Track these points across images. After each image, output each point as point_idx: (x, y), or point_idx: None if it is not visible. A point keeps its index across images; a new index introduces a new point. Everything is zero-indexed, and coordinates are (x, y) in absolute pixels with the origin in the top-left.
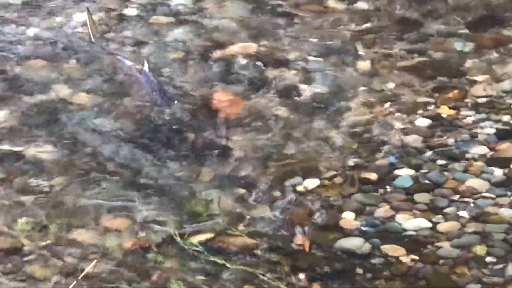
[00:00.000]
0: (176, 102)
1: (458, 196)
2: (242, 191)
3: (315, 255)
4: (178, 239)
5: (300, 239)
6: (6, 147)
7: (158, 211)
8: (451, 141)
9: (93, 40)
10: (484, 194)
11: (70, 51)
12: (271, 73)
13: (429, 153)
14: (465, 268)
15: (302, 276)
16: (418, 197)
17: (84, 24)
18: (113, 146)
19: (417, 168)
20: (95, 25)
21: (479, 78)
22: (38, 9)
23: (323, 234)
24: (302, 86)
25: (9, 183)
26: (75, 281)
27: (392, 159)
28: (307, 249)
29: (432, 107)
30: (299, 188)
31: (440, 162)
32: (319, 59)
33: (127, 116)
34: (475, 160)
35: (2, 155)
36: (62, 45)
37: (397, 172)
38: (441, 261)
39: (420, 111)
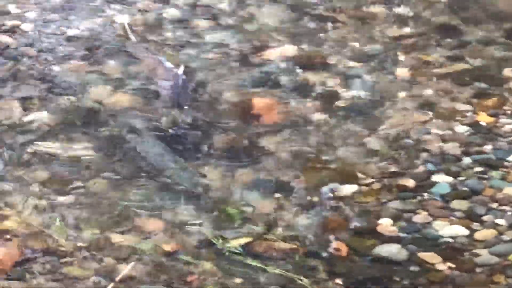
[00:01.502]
0: (186, 107)
1: (496, 204)
2: (279, 195)
3: (352, 261)
4: (217, 242)
5: (337, 245)
6: (44, 147)
7: (195, 214)
8: (489, 148)
9: (133, 40)
10: None
11: (109, 52)
12: (310, 77)
13: (467, 160)
14: (502, 276)
15: (339, 281)
16: (455, 204)
17: (124, 25)
18: (149, 148)
19: (455, 175)
20: (131, 28)
21: None
22: (78, 10)
23: (360, 240)
24: (341, 91)
25: (47, 184)
26: (112, 283)
27: (430, 166)
28: (344, 254)
29: (470, 114)
30: (337, 194)
31: (478, 169)
32: (359, 64)
33: (162, 118)
34: None
35: (41, 156)
36: (102, 46)
37: (434, 179)
38: (478, 269)
39: (458, 118)
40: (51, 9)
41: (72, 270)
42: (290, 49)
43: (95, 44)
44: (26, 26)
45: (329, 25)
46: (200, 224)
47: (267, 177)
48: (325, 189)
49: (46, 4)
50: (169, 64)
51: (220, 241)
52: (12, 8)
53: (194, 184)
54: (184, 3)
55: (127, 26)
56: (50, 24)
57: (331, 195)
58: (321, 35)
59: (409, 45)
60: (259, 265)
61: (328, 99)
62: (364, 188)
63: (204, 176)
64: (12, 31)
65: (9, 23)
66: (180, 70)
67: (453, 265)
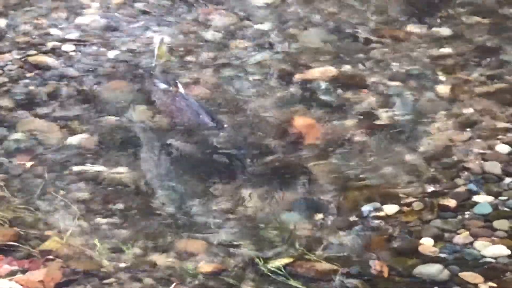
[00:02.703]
0: (225, 125)
1: None
2: (319, 215)
3: (393, 281)
4: (259, 262)
5: (378, 265)
6: (85, 168)
7: (235, 234)
8: None
9: (153, 64)
10: None
11: (149, 73)
12: (350, 97)
13: (508, 180)
14: None
15: None
16: (497, 224)
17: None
18: (190, 168)
19: (496, 195)
20: (165, 51)
21: None
22: (120, 31)
23: (401, 260)
24: (382, 111)
25: (88, 204)
26: None
27: (471, 185)
28: (385, 275)
29: (511, 133)
30: (378, 213)
31: None
32: (399, 83)
33: (200, 139)
34: None
35: (82, 176)
36: (142, 67)
37: (476, 198)
38: None
39: (499, 137)
40: (92, 31)
41: None
42: (331, 70)
43: (136, 65)
44: (67, 47)
45: (369, 45)
46: (241, 245)
47: (308, 197)
48: (366, 209)
49: (87, 25)
50: (162, 85)
51: (262, 262)
52: (54, 30)
53: (234, 204)
54: (225, 25)
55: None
56: (91, 45)
57: (372, 214)
58: (362, 55)
59: (449, 65)
60: (300, 286)
61: (369, 118)
62: (405, 208)
63: (245, 196)
64: (53, 52)
65: (50, 44)
66: (181, 89)
67: (495, 285)
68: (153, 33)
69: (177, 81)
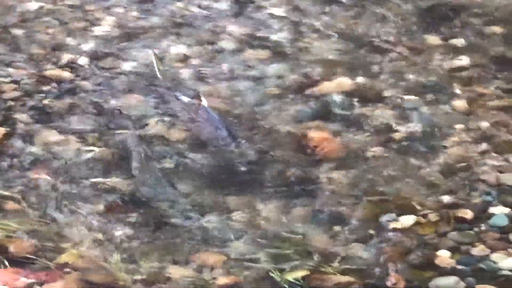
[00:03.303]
0: (242, 140)
1: None
2: (335, 228)
3: None
4: (275, 275)
5: (394, 277)
6: (101, 180)
7: (252, 246)
8: None
9: (159, 76)
10: None
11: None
12: (366, 110)
13: None
14: None
15: None
16: None
17: (179, 59)
18: (206, 181)
19: None
20: (160, 62)
21: None
22: (135, 43)
23: (418, 272)
24: (398, 124)
25: (105, 217)
26: None
27: (487, 197)
28: (401, 287)
29: None
30: (394, 226)
31: None
32: (415, 96)
33: (217, 152)
34: None
35: (98, 189)
36: (159, 79)
37: (492, 210)
38: None
39: None
40: (108, 43)
41: None
42: (346, 82)
43: (151, 77)
44: (82, 60)
45: (385, 57)
46: (257, 258)
47: (324, 209)
48: (382, 221)
49: (103, 38)
50: (185, 99)
51: (278, 274)
52: (70, 43)
53: (250, 217)
54: (240, 35)
55: (154, 61)
56: (106, 57)
57: (389, 227)
58: (377, 67)
59: (466, 77)
60: None
61: (384, 131)
62: (421, 220)
63: (261, 209)
64: (69, 65)
65: (66, 57)
66: (204, 103)
67: None
68: (168, 43)
69: (200, 94)
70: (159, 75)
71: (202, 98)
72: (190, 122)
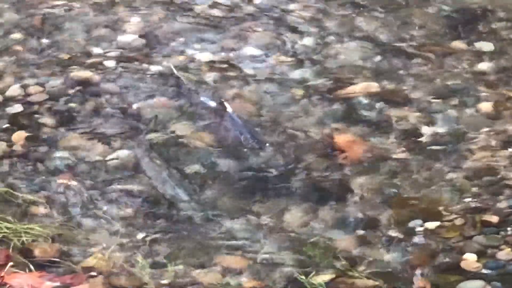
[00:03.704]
0: (267, 144)
1: None
2: (361, 232)
3: None
4: (302, 278)
5: (420, 282)
6: (126, 185)
7: (278, 250)
8: None
9: (184, 82)
10: None
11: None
12: (392, 113)
13: None
14: None
15: None
16: None
17: (203, 64)
18: (232, 185)
19: None
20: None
21: None
22: (161, 47)
23: (444, 276)
24: (423, 127)
25: (131, 221)
26: None
27: None
28: None
29: None
30: (420, 230)
31: None
32: (441, 100)
33: (243, 157)
34: None
35: (124, 193)
36: (183, 84)
37: None
38: None
39: None
40: (133, 46)
41: None
42: (373, 85)
43: (177, 82)
44: (108, 63)
45: (411, 61)
46: (283, 261)
47: (350, 214)
48: (408, 225)
49: (128, 41)
50: (211, 103)
51: (304, 278)
52: (94, 46)
53: (276, 221)
54: (265, 40)
55: (173, 69)
56: (132, 61)
57: (415, 231)
58: (403, 71)
59: (491, 81)
60: None
61: (411, 135)
62: (447, 223)
63: (287, 213)
64: (94, 68)
65: (91, 60)
66: (229, 108)
67: None
68: (193, 50)
69: (222, 100)
70: (184, 80)
71: (226, 104)
72: (214, 127)
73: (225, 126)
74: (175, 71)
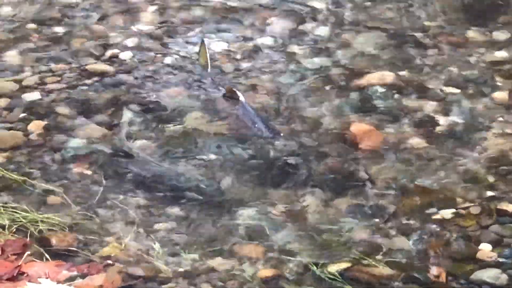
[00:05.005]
0: (281, 134)
1: None
2: (377, 220)
3: (451, 287)
4: (314, 268)
5: (436, 270)
6: (143, 173)
7: (293, 239)
8: None
9: (209, 70)
10: None
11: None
12: (408, 103)
13: None
14: None
15: None
16: None
17: (220, 54)
18: (247, 174)
19: None
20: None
21: None
22: (176, 38)
23: (459, 265)
24: (439, 117)
25: (147, 210)
26: None
27: None
28: (443, 280)
29: None
30: (436, 218)
31: None
32: (456, 89)
33: (257, 146)
34: None
35: (139, 182)
36: (201, 73)
37: None
38: None
39: None
40: (149, 36)
41: None
42: (388, 75)
43: (192, 72)
44: (124, 54)
45: (428, 50)
46: (298, 250)
47: (366, 202)
48: (424, 214)
49: (144, 31)
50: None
51: (319, 267)
52: (111, 36)
53: (292, 209)
54: (281, 30)
55: (202, 55)
56: (148, 51)
57: (431, 219)
58: (419, 61)
59: (507, 70)
60: None
61: (426, 124)
62: (462, 212)
63: (303, 202)
64: (110, 59)
65: (108, 51)
66: (242, 98)
67: None
68: (208, 39)
69: (235, 89)
70: (207, 66)
71: (238, 93)
72: (227, 116)
73: (236, 115)
74: (203, 55)
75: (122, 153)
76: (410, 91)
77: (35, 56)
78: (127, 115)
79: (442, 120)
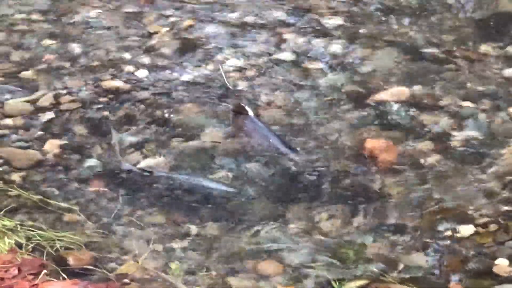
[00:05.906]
0: (298, 150)
1: None
2: (395, 237)
3: None
4: (335, 284)
5: (454, 287)
6: (161, 190)
7: (311, 256)
8: None
9: (230, 86)
10: None
11: (222, 96)
12: (424, 118)
13: None
14: None
15: None
16: None
17: (236, 70)
18: (263, 190)
19: None
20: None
21: None
22: (192, 54)
23: (476, 281)
24: (455, 132)
25: (163, 228)
26: None
27: None
28: None
29: None
30: (453, 235)
31: None
32: (472, 104)
33: (273, 162)
34: None
35: (156, 200)
36: (215, 90)
37: None
38: None
39: None
40: (163, 54)
41: None
42: (404, 91)
43: (208, 88)
44: (139, 72)
45: (442, 66)
46: (317, 267)
47: (383, 218)
48: (441, 230)
49: (158, 49)
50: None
51: (337, 284)
52: (126, 54)
53: (309, 226)
54: (296, 46)
55: (223, 73)
56: (163, 69)
57: (448, 236)
58: (434, 76)
59: None
60: None
61: (443, 140)
62: (480, 229)
63: (319, 218)
64: (125, 76)
65: (123, 68)
66: (250, 113)
67: None
68: (224, 56)
69: (243, 105)
70: (228, 85)
71: (247, 108)
72: (238, 133)
73: (247, 131)
74: (223, 75)
75: (138, 170)
76: (426, 107)
77: (51, 74)
78: (116, 135)
79: (458, 135)
